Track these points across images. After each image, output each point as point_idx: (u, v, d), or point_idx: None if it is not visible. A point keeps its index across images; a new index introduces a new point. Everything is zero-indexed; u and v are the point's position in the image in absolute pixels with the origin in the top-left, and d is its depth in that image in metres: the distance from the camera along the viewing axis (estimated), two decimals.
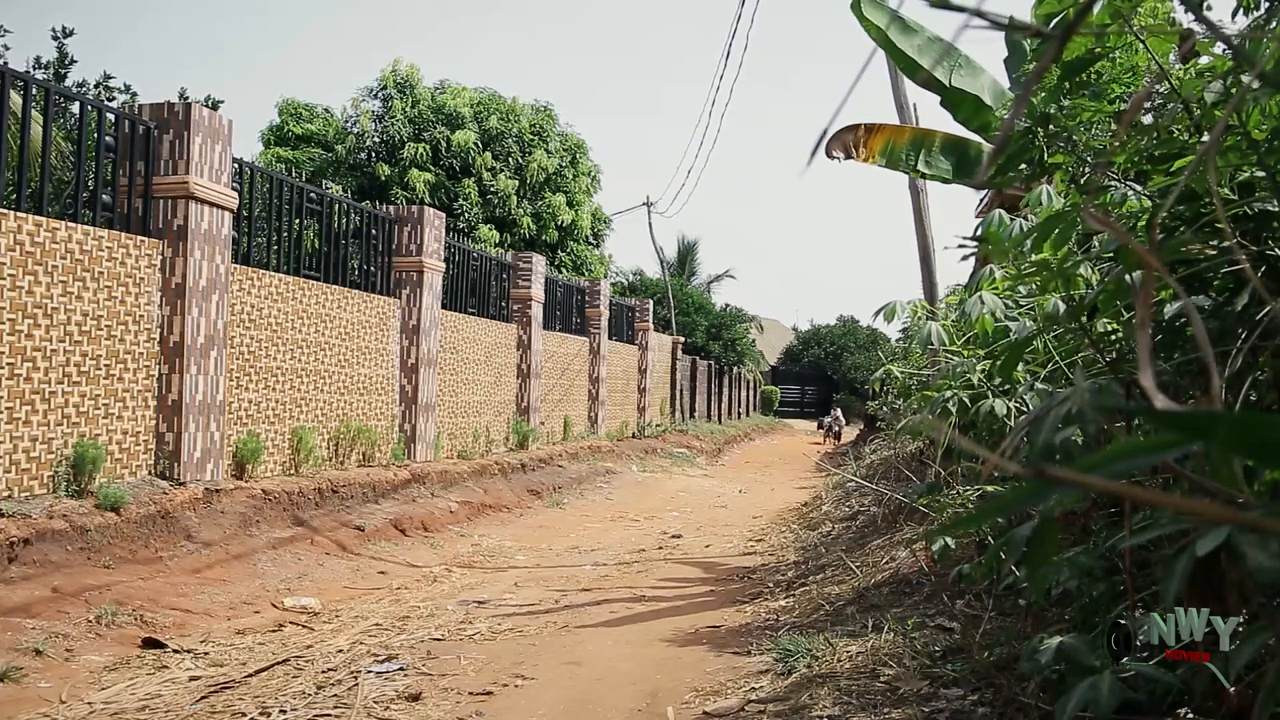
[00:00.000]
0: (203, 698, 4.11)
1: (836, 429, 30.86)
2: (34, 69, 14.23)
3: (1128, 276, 1.95)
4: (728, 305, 35.30)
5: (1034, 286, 2.88)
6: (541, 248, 19.90)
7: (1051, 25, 2.55)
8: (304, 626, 5.58)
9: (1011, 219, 3.08)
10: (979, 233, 3.21)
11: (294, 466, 8.77)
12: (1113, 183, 2.41)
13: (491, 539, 9.22)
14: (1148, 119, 2.34)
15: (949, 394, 3.64)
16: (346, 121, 20.08)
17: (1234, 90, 1.86)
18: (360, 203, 10.93)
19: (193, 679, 4.42)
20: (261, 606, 6.05)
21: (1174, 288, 0.63)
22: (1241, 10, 2.66)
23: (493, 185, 19.30)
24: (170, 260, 7.29)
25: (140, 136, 7.23)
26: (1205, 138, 2.04)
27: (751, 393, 39.37)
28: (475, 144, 19.34)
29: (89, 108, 7.04)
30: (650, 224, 40.25)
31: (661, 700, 3.96)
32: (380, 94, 19.99)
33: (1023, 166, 2.74)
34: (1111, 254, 2.10)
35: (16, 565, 5.32)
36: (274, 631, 5.45)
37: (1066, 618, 2.76)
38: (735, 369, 33.74)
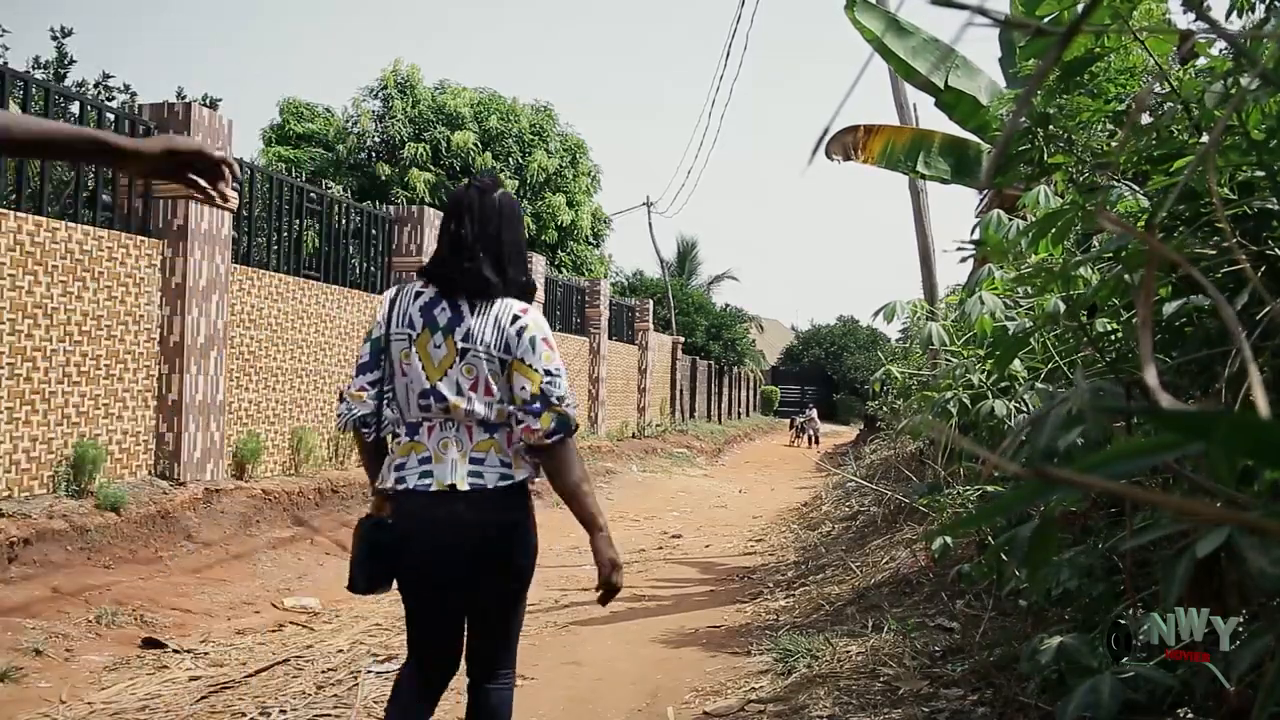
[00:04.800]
0: (203, 698, 4.11)
1: (811, 430, 26.71)
2: (33, 69, 14.21)
3: (1127, 276, 1.95)
4: (728, 305, 35.25)
5: (1034, 287, 2.88)
6: (541, 248, 19.89)
7: (1046, 23, 2.55)
8: (304, 626, 5.58)
9: (1010, 219, 3.08)
10: (977, 234, 3.21)
11: (294, 466, 8.77)
12: (1112, 183, 2.41)
13: None
14: (1146, 118, 2.34)
15: (949, 395, 3.64)
16: (347, 121, 20.09)
17: (1233, 90, 1.86)
18: (360, 203, 10.93)
19: (193, 679, 4.42)
20: (261, 606, 6.05)
21: (1200, 280, 0.63)
22: (1235, 12, 2.66)
23: None
24: (170, 260, 7.29)
25: (140, 136, 7.22)
26: (1205, 138, 2.04)
27: (751, 393, 39.33)
28: (475, 144, 19.34)
29: (88, 108, 7.04)
30: (650, 224, 40.14)
31: (661, 700, 3.96)
32: (381, 94, 19.99)
33: (1023, 167, 2.74)
34: (1111, 254, 2.10)
35: (16, 565, 5.32)
36: (274, 631, 5.45)
37: (1066, 618, 2.76)
38: (735, 369, 33.69)
